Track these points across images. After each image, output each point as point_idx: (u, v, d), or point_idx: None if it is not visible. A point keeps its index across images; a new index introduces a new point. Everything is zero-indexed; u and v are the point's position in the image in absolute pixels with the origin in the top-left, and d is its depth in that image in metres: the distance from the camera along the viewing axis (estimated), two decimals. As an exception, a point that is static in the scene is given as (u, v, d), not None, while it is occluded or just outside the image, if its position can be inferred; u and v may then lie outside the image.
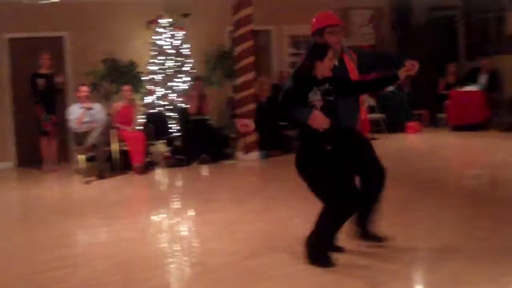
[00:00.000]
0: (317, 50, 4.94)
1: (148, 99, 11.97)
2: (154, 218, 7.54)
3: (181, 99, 11.80)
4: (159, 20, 12.04)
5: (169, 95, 11.90)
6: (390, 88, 14.13)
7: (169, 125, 11.60)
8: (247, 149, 11.02)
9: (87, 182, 9.75)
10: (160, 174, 10.45)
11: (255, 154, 11.02)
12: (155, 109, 11.87)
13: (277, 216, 7.00)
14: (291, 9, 14.08)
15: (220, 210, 7.46)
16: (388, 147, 12.13)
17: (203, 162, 10.84)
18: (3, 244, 6.49)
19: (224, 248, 5.84)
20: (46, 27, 12.22)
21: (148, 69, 12.05)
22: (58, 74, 11.33)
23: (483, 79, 13.63)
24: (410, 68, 5.02)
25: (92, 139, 10.22)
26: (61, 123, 11.12)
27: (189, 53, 12.24)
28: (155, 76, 11.99)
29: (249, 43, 11.05)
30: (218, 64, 12.85)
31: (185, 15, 12.12)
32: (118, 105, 10.90)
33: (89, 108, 10.41)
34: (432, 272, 4.98)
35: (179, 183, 9.97)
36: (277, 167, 10.47)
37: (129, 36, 12.56)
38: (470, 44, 14.93)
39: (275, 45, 14.68)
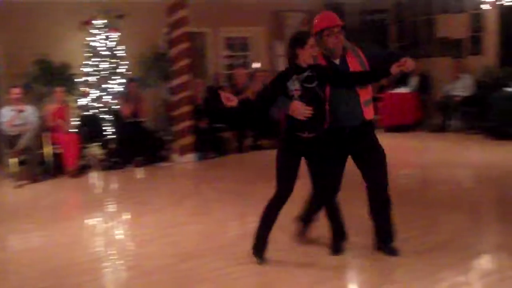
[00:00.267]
0: (298, 38, 5.03)
1: (82, 101, 11.82)
2: (89, 222, 7.47)
3: (116, 101, 11.69)
4: (93, 21, 11.89)
5: (104, 97, 11.77)
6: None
7: (104, 128, 11.48)
8: (183, 151, 11.01)
9: (19, 186, 9.57)
10: (94, 177, 10.34)
11: (190, 156, 11.02)
12: (89, 112, 11.72)
13: (213, 218, 7.04)
14: (227, 12, 14.16)
15: (155, 213, 7.45)
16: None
17: (139, 164, 10.78)
18: None
19: (160, 251, 5.84)
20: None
21: (82, 70, 11.89)
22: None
23: (414, 81, 13.96)
24: (402, 64, 4.99)
25: (24, 142, 10.02)
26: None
27: (124, 54, 12.13)
28: (89, 78, 11.84)
29: (185, 45, 11.04)
30: (154, 66, 12.78)
31: (120, 17, 12.01)
32: (51, 107, 10.73)
33: (21, 111, 10.20)
34: (364, 271, 5.12)
35: (114, 186, 9.89)
36: (212, 169, 10.50)
37: (63, 37, 12.36)
38: (401, 46, 15.28)
39: (210, 47, 14.71)
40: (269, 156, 11.22)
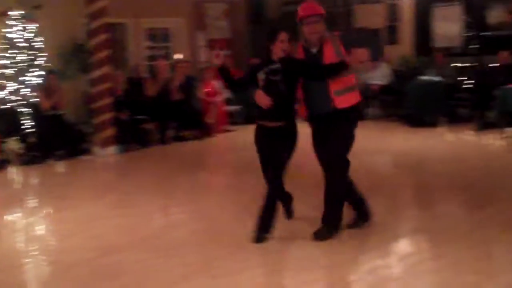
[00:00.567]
0: (270, 33, 5.47)
1: (-1, 95, 11.53)
2: (8, 218, 7.31)
3: (34, 94, 11.44)
4: (9, 12, 11.59)
5: (22, 90, 11.50)
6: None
7: (22, 121, 11.22)
8: (104, 144, 10.89)
9: None
10: (13, 173, 10.11)
11: (112, 149, 10.91)
12: (6, 105, 11.43)
13: (136, 211, 7.02)
14: (147, 2, 14.03)
15: (77, 207, 7.36)
16: (244, 138, 12.39)
17: (59, 158, 10.60)
18: None
19: (81, 245, 5.80)
20: None
21: (-1, 63, 11.59)
22: None
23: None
24: (354, 56, 5.23)
25: None
26: None
27: (42, 46, 11.88)
28: (6, 71, 11.55)
29: (104, 36, 10.89)
30: (73, 58, 12.58)
31: (37, 7, 11.74)
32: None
33: None
34: (283, 259, 5.23)
35: (34, 181, 9.69)
36: (135, 161, 10.44)
37: (-23, 28, 12.02)
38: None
39: (131, 38, 14.58)
40: (192, 147, 11.36)
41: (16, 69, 11.52)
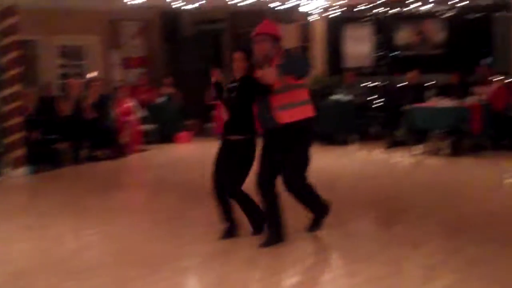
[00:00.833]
0: (230, 54, 6.01)
1: None
2: None
3: None
4: None
5: None
6: (161, 99, 14.42)
7: None
8: (15, 164, 10.61)
9: None
10: None
11: (23, 170, 10.64)
12: None
13: (48, 233, 6.86)
14: (60, 19, 13.84)
15: (-15, 231, 7.14)
16: (159, 157, 12.39)
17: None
18: None
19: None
20: None
21: None
22: None
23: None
24: (262, 77, 5.56)
25: None
26: None
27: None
28: None
29: (16, 53, 10.66)
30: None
31: None
32: None
33: None
34: (209, 277, 5.24)
35: None
36: (47, 182, 10.23)
37: None
38: (236, 56, 15.67)
39: (43, 55, 14.30)
40: (106, 167, 11.22)
41: None
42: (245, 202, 5.95)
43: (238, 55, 5.79)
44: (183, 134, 14.05)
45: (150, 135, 13.77)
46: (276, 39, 5.85)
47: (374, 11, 13.92)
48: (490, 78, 11.70)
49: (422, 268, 5.19)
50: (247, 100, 5.77)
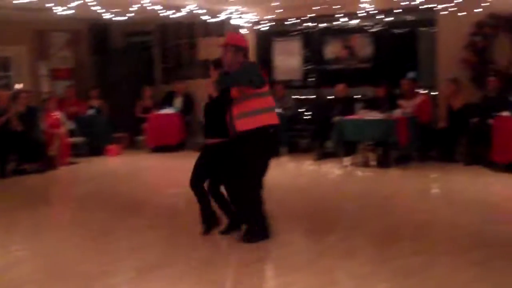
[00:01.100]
0: None
1: None
2: None
3: None
4: None
5: None
6: (90, 112, 14.22)
7: None
8: None
9: None
10: None
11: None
12: None
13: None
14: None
15: None
16: (89, 171, 12.20)
17: None
18: None
19: None
20: None
21: None
22: None
23: (178, 102, 14.36)
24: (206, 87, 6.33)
25: None
26: None
27: None
28: None
29: None
30: None
31: None
32: None
33: None
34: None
35: None
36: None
37: None
38: (165, 68, 15.67)
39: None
40: (34, 181, 10.97)
41: None
42: (202, 197, 6.62)
43: (211, 68, 6.42)
44: (112, 147, 13.87)
45: (79, 148, 13.55)
46: (238, 48, 6.21)
47: (303, 25, 14.12)
48: (415, 91, 12.02)
49: (354, 278, 5.28)
50: (222, 106, 6.27)
